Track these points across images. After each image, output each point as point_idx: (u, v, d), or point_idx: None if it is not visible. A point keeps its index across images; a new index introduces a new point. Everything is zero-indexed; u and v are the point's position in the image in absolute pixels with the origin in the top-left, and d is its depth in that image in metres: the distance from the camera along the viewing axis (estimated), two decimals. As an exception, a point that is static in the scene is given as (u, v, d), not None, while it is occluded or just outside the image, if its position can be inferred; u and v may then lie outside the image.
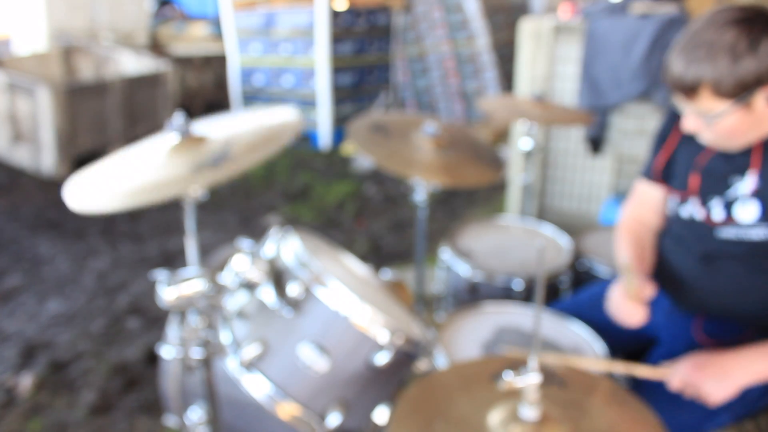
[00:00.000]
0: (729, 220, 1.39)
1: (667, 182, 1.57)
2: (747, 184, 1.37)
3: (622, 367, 1.40)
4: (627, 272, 1.46)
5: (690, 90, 1.27)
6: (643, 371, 1.40)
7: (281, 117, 1.42)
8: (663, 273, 1.58)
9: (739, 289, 1.43)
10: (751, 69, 1.21)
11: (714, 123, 1.29)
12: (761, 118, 1.29)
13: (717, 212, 1.41)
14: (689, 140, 1.49)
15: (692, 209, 1.47)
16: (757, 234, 1.36)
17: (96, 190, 1.27)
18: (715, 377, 1.31)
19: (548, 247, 2.10)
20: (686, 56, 1.26)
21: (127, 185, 1.24)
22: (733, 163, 1.40)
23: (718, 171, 1.43)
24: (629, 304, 1.44)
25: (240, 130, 1.37)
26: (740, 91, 1.24)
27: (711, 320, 1.49)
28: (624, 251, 1.57)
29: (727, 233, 1.40)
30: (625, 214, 1.69)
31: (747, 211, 1.37)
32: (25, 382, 2.27)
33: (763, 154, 1.35)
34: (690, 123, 1.35)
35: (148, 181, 1.24)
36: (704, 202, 1.44)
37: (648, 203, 1.65)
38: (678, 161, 1.53)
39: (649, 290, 1.45)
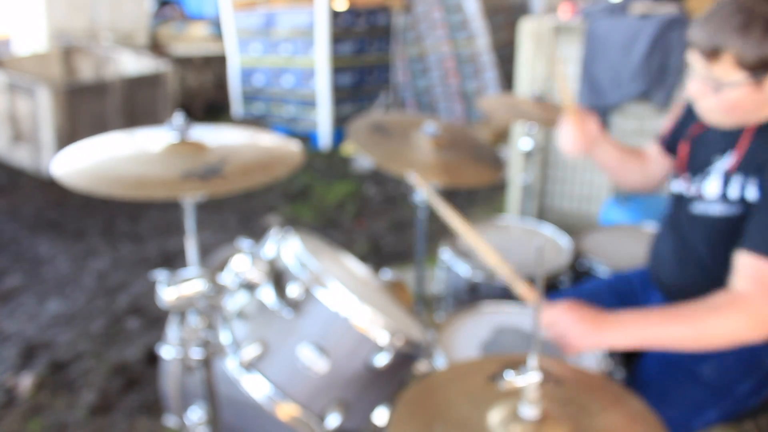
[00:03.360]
0: (699, 195, 1.42)
1: (666, 147, 1.64)
2: (725, 162, 1.39)
3: (504, 270, 1.39)
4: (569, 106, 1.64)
5: (713, 53, 1.26)
6: (522, 290, 1.37)
7: (285, 146, 1.41)
8: (656, 262, 1.59)
9: (707, 272, 1.43)
10: None
11: (722, 91, 1.29)
12: (765, 101, 1.30)
13: (695, 188, 1.44)
14: (690, 111, 1.53)
15: (681, 185, 1.50)
16: (714, 210, 1.38)
17: (82, 167, 1.25)
18: (585, 327, 1.29)
19: (548, 247, 2.10)
20: (720, 20, 1.25)
21: (113, 172, 1.22)
22: (720, 141, 1.42)
23: (705, 146, 1.46)
24: (572, 132, 1.64)
25: (239, 149, 1.35)
26: (760, 67, 1.24)
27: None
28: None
29: (697, 208, 1.43)
30: None
31: (712, 187, 1.39)
32: (25, 382, 2.27)
33: (752, 139, 1.36)
34: (695, 87, 1.35)
35: (134, 174, 1.22)
36: (692, 177, 1.47)
37: (650, 158, 1.72)
38: (679, 131, 1.58)
39: (594, 124, 1.64)
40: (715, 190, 1.38)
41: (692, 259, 1.46)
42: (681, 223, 1.48)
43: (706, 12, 1.29)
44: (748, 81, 1.26)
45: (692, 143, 1.49)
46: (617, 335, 1.29)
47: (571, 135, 1.69)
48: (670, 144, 1.61)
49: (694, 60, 1.32)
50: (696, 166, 1.46)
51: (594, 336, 1.29)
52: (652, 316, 1.31)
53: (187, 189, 1.17)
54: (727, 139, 1.40)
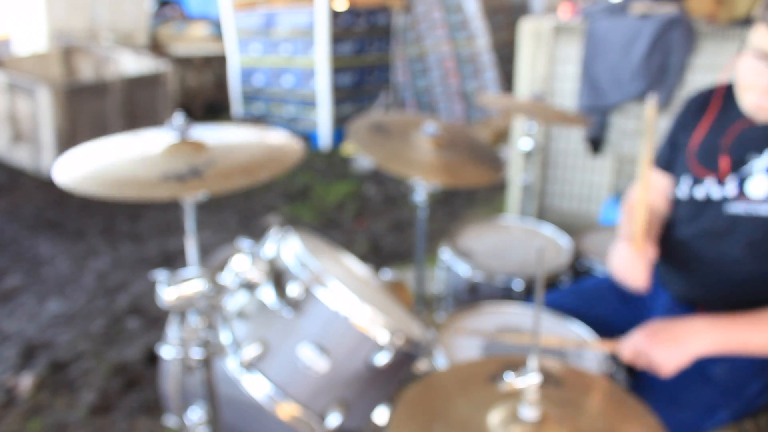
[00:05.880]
0: (741, 195, 1.40)
1: (699, 162, 1.54)
2: (764, 160, 1.38)
3: (574, 343, 1.40)
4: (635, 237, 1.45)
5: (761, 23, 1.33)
6: (594, 346, 1.40)
7: (284, 147, 1.39)
8: (666, 264, 1.58)
9: (741, 274, 1.42)
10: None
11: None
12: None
13: (731, 188, 1.42)
14: (717, 121, 1.50)
15: (708, 188, 1.46)
16: (766, 210, 1.36)
17: (75, 168, 1.26)
18: (666, 345, 1.29)
19: (548, 247, 2.10)
20: None
21: (107, 172, 1.24)
22: (754, 140, 1.41)
23: (741, 149, 1.44)
24: (635, 265, 1.42)
25: (235, 150, 1.33)
26: None
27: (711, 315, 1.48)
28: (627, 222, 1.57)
29: (737, 208, 1.40)
30: (631, 195, 1.68)
31: (759, 186, 1.37)
32: (25, 382, 2.27)
33: None
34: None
35: (118, 174, 1.23)
36: (722, 179, 1.44)
37: (656, 189, 1.64)
38: (708, 141, 1.53)
39: (652, 252, 1.44)
40: (765, 189, 1.37)
41: (732, 265, 1.42)
42: (715, 226, 1.44)
43: None
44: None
45: (730, 153, 1.45)
46: (700, 344, 1.29)
47: (636, 269, 1.44)
48: (699, 156, 1.54)
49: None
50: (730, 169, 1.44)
51: (679, 351, 1.28)
52: (736, 322, 1.31)
53: (162, 191, 1.16)
54: (760, 137, 1.39)
